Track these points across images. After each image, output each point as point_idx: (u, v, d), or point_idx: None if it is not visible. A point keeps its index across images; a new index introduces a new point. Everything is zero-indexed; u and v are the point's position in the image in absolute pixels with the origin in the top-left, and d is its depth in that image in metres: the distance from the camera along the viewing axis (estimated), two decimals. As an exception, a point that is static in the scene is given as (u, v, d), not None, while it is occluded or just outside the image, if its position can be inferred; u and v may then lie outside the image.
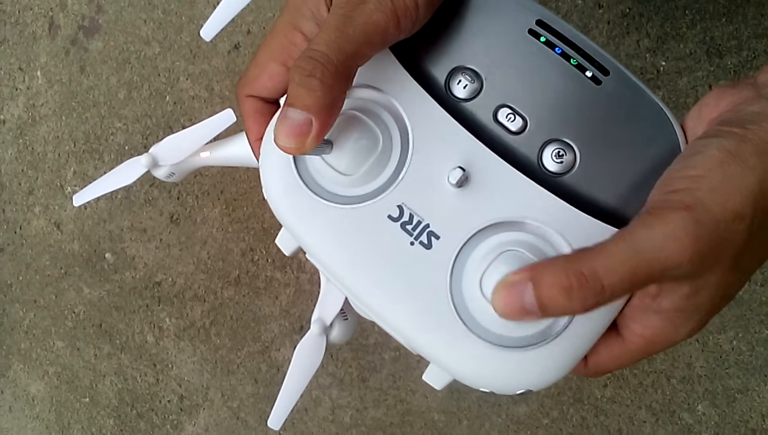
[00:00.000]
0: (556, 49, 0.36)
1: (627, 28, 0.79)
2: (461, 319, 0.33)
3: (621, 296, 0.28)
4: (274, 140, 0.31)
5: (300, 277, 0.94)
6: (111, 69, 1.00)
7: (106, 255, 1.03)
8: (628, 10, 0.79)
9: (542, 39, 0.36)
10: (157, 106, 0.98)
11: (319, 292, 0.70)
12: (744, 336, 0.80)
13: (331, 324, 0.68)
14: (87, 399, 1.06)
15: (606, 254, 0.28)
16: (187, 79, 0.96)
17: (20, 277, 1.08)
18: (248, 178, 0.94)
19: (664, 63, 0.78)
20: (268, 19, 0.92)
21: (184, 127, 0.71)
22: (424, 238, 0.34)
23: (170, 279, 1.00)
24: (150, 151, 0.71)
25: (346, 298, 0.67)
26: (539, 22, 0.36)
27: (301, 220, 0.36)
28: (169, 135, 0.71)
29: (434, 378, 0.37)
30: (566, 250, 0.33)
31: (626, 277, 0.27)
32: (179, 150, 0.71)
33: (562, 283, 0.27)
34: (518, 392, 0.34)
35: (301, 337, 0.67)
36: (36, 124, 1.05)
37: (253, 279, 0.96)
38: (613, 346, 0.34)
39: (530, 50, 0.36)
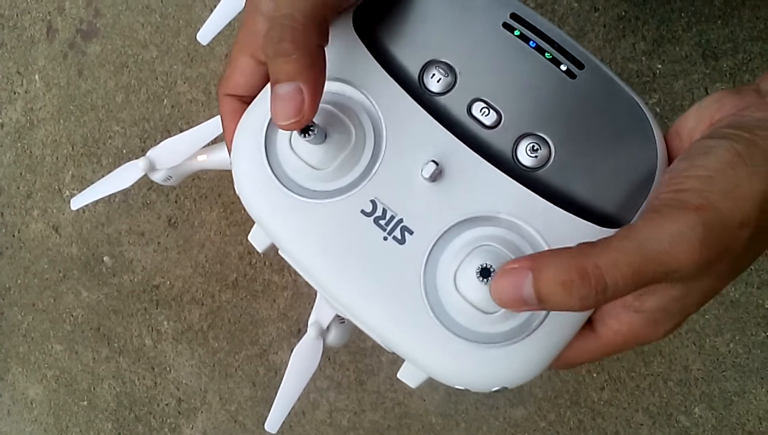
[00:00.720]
0: (531, 42, 0.36)
1: (623, 31, 0.79)
2: (435, 316, 0.33)
3: (622, 295, 0.27)
4: (275, 123, 0.31)
5: (297, 280, 0.94)
6: (109, 73, 1.01)
7: (104, 258, 1.03)
8: (623, 13, 0.79)
9: (516, 33, 0.36)
10: (154, 109, 0.98)
11: (316, 296, 0.70)
12: (741, 339, 0.80)
13: (328, 327, 0.68)
14: (85, 402, 1.06)
15: (611, 252, 0.27)
16: (184, 83, 0.97)
17: (18, 281, 1.08)
18: (246, 181, 0.94)
19: (660, 66, 0.78)
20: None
21: (181, 131, 0.71)
22: (397, 233, 0.34)
23: (168, 282, 1.00)
24: (147, 154, 0.71)
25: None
26: (513, 16, 0.36)
27: (272, 215, 0.35)
28: (166, 138, 0.71)
29: (409, 376, 0.37)
30: (542, 245, 0.33)
31: (630, 276, 0.27)
32: (177, 153, 0.71)
33: (563, 278, 0.27)
34: (493, 389, 0.34)
35: (299, 341, 0.67)
36: (34, 128, 1.05)
37: (251, 282, 0.96)
38: (586, 341, 0.34)
39: (504, 44, 0.36)
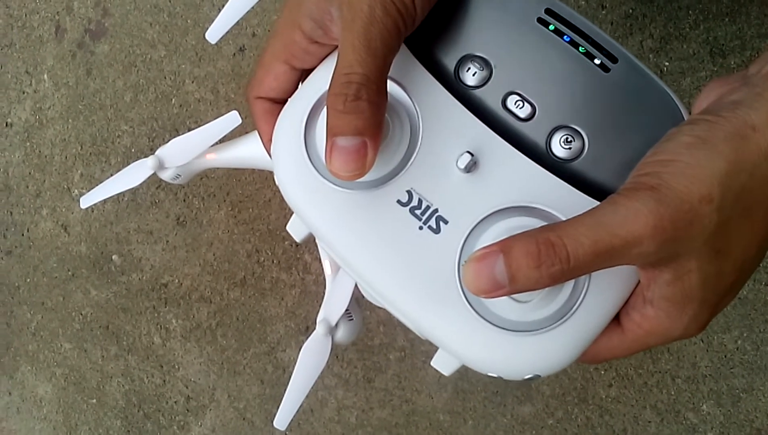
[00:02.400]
0: (565, 37, 0.36)
1: (630, 28, 0.79)
2: (469, 304, 0.34)
3: (586, 269, 0.29)
4: (332, 173, 0.32)
5: (306, 278, 0.94)
6: (117, 72, 1.01)
7: (113, 257, 1.03)
8: (631, 10, 0.79)
9: (551, 27, 0.36)
10: (163, 108, 0.99)
11: (324, 293, 0.70)
12: (749, 335, 0.80)
13: (337, 324, 0.68)
14: (94, 400, 1.07)
15: (573, 226, 0.28)
16: (192, 82, 0.97)
17: (28, 280, 1.09)
18: (254, 179, 0.94)
19: (667, 63, 0.78)
20: (273, 21, 0.93)
21: (189, 130, 0.72)
22: (432, 222, 0.35)
23: (176, 280, 1.00)
24: (156, 153, 0.72)
25: (352, 298, 0.67)
26: (548, 11, 0.37)
27: (311, 205, 0.36)
28: (175, 137, 0.71)
29: (442, 364, 0.37)
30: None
31: (589, 247, 0.28)
32: (185, 152, 0.72)
33: (530, 250, 0.28)
34: (526, 377, 0.34)
35: (307, 338, 0.67)
36: (43, 127, 1.05)
37: (259, 280, 0.96)
38: (612, 336, 0.34)
39: (539, 38, 0.36)
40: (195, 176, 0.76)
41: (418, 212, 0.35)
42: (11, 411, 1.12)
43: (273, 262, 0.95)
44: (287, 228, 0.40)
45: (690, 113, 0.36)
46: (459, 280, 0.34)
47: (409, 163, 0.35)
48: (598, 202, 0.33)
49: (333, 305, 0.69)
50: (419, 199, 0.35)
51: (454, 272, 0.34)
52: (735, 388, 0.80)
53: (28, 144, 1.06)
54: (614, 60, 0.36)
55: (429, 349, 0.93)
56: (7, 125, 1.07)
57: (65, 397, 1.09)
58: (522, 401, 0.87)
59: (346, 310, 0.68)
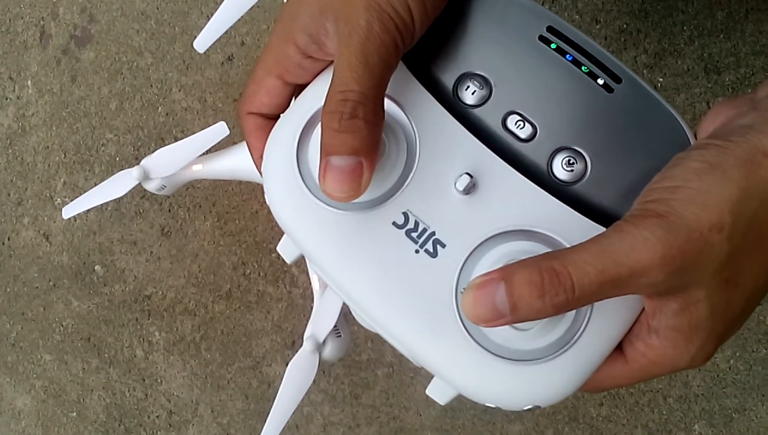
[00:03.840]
0: (567, 56, 0.35)
1: (624, 44, 0.79)
2: (467, 331, 0.32)
3: (591, 299, 0.28)
4: (325, 193, 0.31)
5: (292, 292, 0.93)
6: (103, 79, 0.99)
7: (96, 267, 1.01)
8: (625, 25, 0.78)
9: (553, 46, 0.36)
10: (149, 117, 0.97)
11: (312, 307, 0.69)
12: (741, 355, 0.80)
13: (324, 341, 0.67)
14: (74, 413, 1.05)
15: (577, 253, 0.28)
16: (179, 91, 0.96)
17: (8, 289, 1.07)
18: (240, 191, 0.93)
19: (661, 79, 0.78)
20: (262, 30, 0.92)
21: (176, 139, 0.71)
22: (429, 246, 0.33)
23: (160, 292, 0.99)
24: (141, 163, 0.70)
25: (340, 315, 0.66)
26: (550, 29, 0.36)
27: (303, 225, 0.35)
28: (161, 147, 0.70)
29: (438, 392, 0.36)
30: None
31: (595, 276, 0.27)
32: (171, 163, 0.70)
33: (533, 280, 0.27)
34: (525, 408, 0.33)
35: (294, 353, 0.66)
36: (26, 134, 1.04)
37: (245, 293, 0.95)
38: (615, 365, 0.33)
39: (540, 57, 0.35)
40: (181, 187, 0.74)
41: (414, 235, 0.34)
42: (-12, 424, 1.10)
43: (259, 274, 0.94)
44: (278, 249, 0.38)
45: (695, 136, 0.35)
46: (457, 307, 0.32)
47: (406, 183, 0.34)
48: (601, 227, 0.33)
49: (321, 321, 0.67)
50: (416, 222, 0.34)
51: (452, 298, 0.33)
52: (727, 408, 0.80)
53: (10, 151, 1.05)
54: (618, 80, 0.35)
55: (417, 365, 0.92)
56: (-12, 132, 1.06)
57: (44, 410, 1.06)
58: (512, 420, 0.86)
59: (335, 326, 0.67)
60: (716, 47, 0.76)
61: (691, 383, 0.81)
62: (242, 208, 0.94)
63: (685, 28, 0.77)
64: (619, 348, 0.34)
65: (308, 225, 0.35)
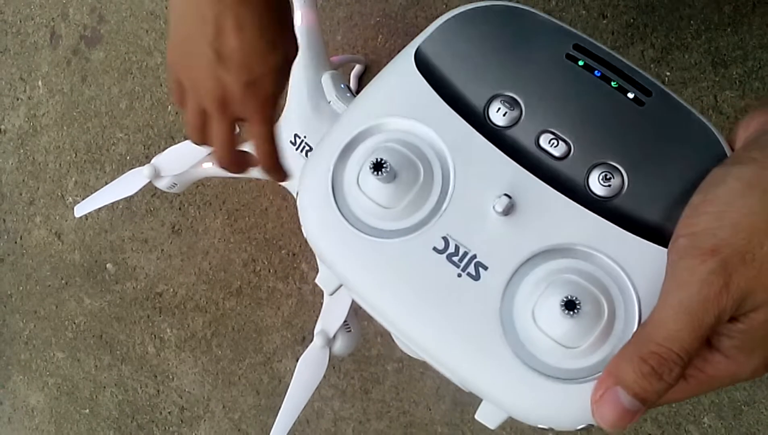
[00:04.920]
0: (596, 72, 0.35)
1: (631, 38, 0.79)
2: (515, 353, 0.32)
3: (697, 350, 0.28)
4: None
5: (302, 288, 0.93)
6: (113, 79, 1.00)
7: (107, 265, 1.02)
8: (632, 20, 0.78)
9: (581, 63, 0.36)
10: (158, 116, 0.98)
11: (321, 303, 0.69)
12: (750, 348, 0.80)
13: (335, 336, 0.67)
14: (87, 410, 1.05)
15: (662, 327, 0.28)
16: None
17: (20, 288, 1.08)
18: (250, 188, 0.94)
19: (668, 73, 0.78)
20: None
21: (185, 138, 0.71)
22: (471, 269, 0.33)
23: (171, 290, 0.99)
24: (152, 161, 0.71)
25: (350, 310, 0.67)
26: (576, 47, 0.36)
27: (342, 257, 0.35)
28: (170, 145, 0.71)
29: (488, 417, 0.35)
30: (619, 273, 0.32)
31: (690, 337, 0.28)
32: (181, 161, 0.71)
33: (645, 371, 0.28)
34: (579, 428, 0.33)
35: (304, 349, 0.66)
36: (37, 134, 1.04)
37: (255, 290, 0.95)
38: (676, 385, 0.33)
39: (569, 75, 0.36)
40: (191, 185, 0.75)
41: (455, 259, 0.33)
42: (2, 421, 1.11)
43: (269, 271, 0.94)
44: (316, 281, 0.38)
45: (729, 144, 0.34)
46: (502, 329, 0.32)
47: (443, 208, 0.34)
48: (642, 239, 0.33)
49: (331, 316, 0.68)
50: (456, 246, 0.33)
51: (498, 320, 0.32)
52: (737, 401, 0.80)
53: (21, 151, 1.05)
54: (648, 93, 0.35)
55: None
56: (0, 132, 1.06)
57: (57, 407, 1.07)
58: (521, 413, 0.86)
59: (345, 321, 0.67)
60: (723, 41, 0.76)
61: (700, 376, 0.81)
62: (252, 206, 0.94)
63: (692, 22, 0.77)
64: None
65: (347, 255, 0.35)
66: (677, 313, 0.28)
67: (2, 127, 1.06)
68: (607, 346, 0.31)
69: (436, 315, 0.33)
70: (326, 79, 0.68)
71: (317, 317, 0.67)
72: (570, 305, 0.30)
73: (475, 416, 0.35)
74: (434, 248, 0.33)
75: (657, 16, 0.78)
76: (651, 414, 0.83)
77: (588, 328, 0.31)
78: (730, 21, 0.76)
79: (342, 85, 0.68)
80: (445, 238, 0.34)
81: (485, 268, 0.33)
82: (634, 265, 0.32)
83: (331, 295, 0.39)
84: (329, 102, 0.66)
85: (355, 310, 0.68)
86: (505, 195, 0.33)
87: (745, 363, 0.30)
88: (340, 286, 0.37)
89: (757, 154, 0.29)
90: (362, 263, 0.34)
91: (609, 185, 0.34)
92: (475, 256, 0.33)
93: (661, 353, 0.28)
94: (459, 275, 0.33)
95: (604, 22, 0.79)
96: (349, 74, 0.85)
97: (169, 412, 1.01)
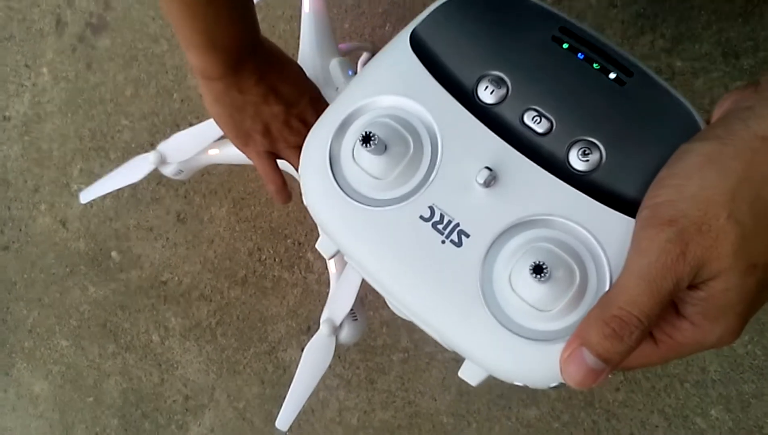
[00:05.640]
0: (579, 54, 0.37)
1: (641, 28, 0.78)
2: (493, 315, 0.34)
3: (658, 314, 0.30)
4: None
5: (308, 278, 0.93)
6: (118, 66, 1.00)
7: (112, 253, 1.02)
8: (642, 10, 0.78)
9: (565, 45, 0.37)
10: (164, 103, 0.97)
11: (327, 293, 0.69)
12: (759, 340, 0.79)
13: (341, 324, 0.67)
14: (91, 398, 1.05)
15: (625, 292, 0.30)
16: (194, 77, 0.96)
17: (25, 276, 1.07)
18: (256, 177, 0.93)
19: (679, 63, 0.77)
20: (277, 17, 0.92)
21: (191, 125, 0.71)
22: (454, 236, 0.35)
23: (176, 278, 0.99)
24: (158, 148, 0.71)
25: (357, 298, 0.66)
26: (562, 29, 0.38)
27: (338, 223, 0.38)
28: (176, 133, 0.70)
29: (469, 374, 0.38)
30: (594, 244, 0.34)
31: (648, 301, 0.29)
32: (188, 147, 0.71)
33: (607, 333, 0.30)
34: (551, 386, 0.35)
35: (309, 338, 0.66)
36: (42, 121, 1.04)
37: (260, 279, 0.95)
38: (645, 346, 0.34)
39: (554, 56, 0.37)
40: (197, 172, 0.74)
41: (440, 227, 0.36)
42: (6, 409, 1.11)
43: (275, 260, 0.94)
44: (317, 246, 0.42)
45: (707, 123, 0.36)
46: (482, 292, 0.34)
47: (431, 179, 0.36)
48: (617, 212, 0.35)
49: (337, 305, 0.68)
50: (441, 215, 0.36)
51: (477, 284, 0.35)
52: (744, 393, 0.79)
53: (26, 138, 1.05)
54: (629, 74, 0.37)
55: (433, 350, 0.92)
56: (5, 119, 1.06)
57: (62, 395, 1.07)
58: (527, 404, 0.86)
59: (351, 310, 0.67)
60: (734, 31, 0.76)
61: (708, 368, 0.81)
62: (258, 194, 0.94)
63: (702, 12, 0.77)
64: (650, 334, 0.35)
65: (343, 222, 0.37)
66: (637, 279, 0.30)
67: (7, 114, 1.06)
68: (579, 310, 0.34)
69: (421, 278, 0.36)
70: (334, 65, 0.67)
71: (322, 307, 0.67)
72: (538, 270, 0.32)
73: (459, 374, 0.37)
74: (421, 216, 0.36)
75: (667, 6, 0.77)
76: (658, 406, 0.82)
77: (560, 293, 0.33)
78: (741, 12, 0.76)
79: (349, 72, 0.68)
80: (431, 208, 0.36)
81: (467, 235, 0.35)
82: (608, 235, 0.34)
83: (330, 259, 0.42)
84: (336, 88, 0.66)
85: (361, 299, 0.68)
86: (486, 168, 0.35)
87: (710, 330, 0.32)
88: (338, 251, 0.40)
89: (721, 132, 0.31)
90: (356, 229, 0.37)
91: (587, 160, 0.36)
92: (458, 225, 0.35)
93: (622, 316, 0.30)
94: (443, 242, 0.35)
95: (614, 11, 0.79)
96: (356, 62, 0.84)
97: (174, 401, 1.01)
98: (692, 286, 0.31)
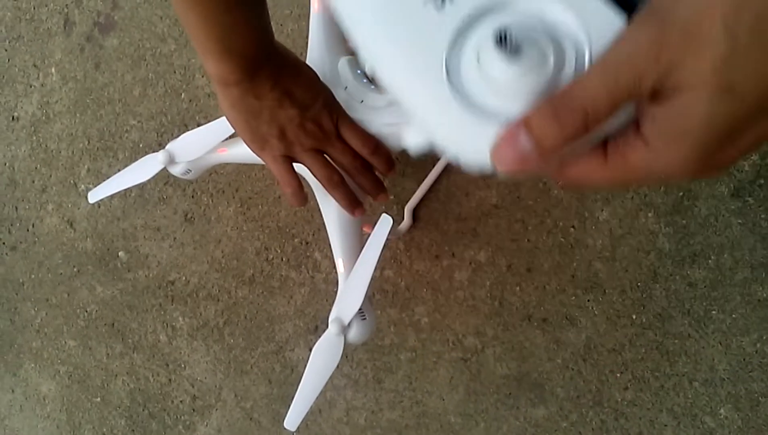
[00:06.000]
0: None
1: None
2: (450, 82, 0.34)
3: (607, 113, 0.28)
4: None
5: (315, 277, 0.93)
6: (126, 66, 1.00)
7: (120, 253, 1.02)
8: None
9: None
10: (172, 103, 0.98)
11: (335, 292, 0.69)
12: (768, 339, 0.79)
13: (349, 324, 0.67)
14: (98, 399, 1.05)
15: (582, 79, 0.29)
16: (202, 77, 0.96)
17: (32, 276, 1.08)
18: (263, 176, 0.93)
19: None
20: (285, 15, 0.92)
21: (199, 125, 0.71)
22: None
23: (184, 278, 0.99)
24: (167, 147, 0.71)
25: (365, 297, 0.66)
26: None
27: None
28: (184, 132, 0.70)
29: (412, 139, 0.39)
30: (581, 38, 0.33)
31: (602, 90, 0.28)
32: (197, 146, 0.71)
33: (547, 113, 0.28)
34: (482, 167, 0.34)
35: (316, 338, 0.66)
36: (50, 122, 1.04)
37: (268, 278, 0.95)
38: (591, 159, 0.32)
39: None
40: (206, 171, 0.74)
41: None
42: (14, 409, 1.11)
43: (282, 259, 0.94)
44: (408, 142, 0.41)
45: None
46: (446, 58, 0.34)
47: None
48: (619, 12, 0.32)
49: (346, 304, 0.67)
50: None
51: (444, 49, 0.34)
52: (754, 392, 0.79)
53: (34, 138, 1.05)
54: None
55: (440, 349, 0.92)
56: (13, 119, 1.06)
57: (69, 395, 1.07)
58: (536, 404, 0.86)
59: (359, 309, 0.67)
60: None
61: (717, 367, 0.80)
62: (265, 194, 0.94)
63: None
64: (602, 147, 0.32)
65: None
66: (596, 67, 0.28)
67: (15, 114, 1.06)
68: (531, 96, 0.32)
69: (393, 31, 0.35)
70: (343, 64, 0.67)
71: (330, 306, 0.67)
72: (502, 39, 0.30)
73: (401, 143, 0.37)
74: None
75: None
76: (666, 405, 0.82)
77: (525, 74, 0.31)
78: None
79: (358, 71, 0.67)
80: None
81: (451, 1, 0.34)
82: (600, 34, 0.32)
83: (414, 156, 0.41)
84: (345, 87, 0.66)
85: (370, 298, 0.67)
86: None
87: (661, 153, 0.29)
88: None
89: None
90: None
91: None
92: None
93: (565, 98, 0.28)
94: (425, 3, 0.35)
95: None
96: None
97: (181, 401, 1.01)
98: (657, 100, 0.28)
